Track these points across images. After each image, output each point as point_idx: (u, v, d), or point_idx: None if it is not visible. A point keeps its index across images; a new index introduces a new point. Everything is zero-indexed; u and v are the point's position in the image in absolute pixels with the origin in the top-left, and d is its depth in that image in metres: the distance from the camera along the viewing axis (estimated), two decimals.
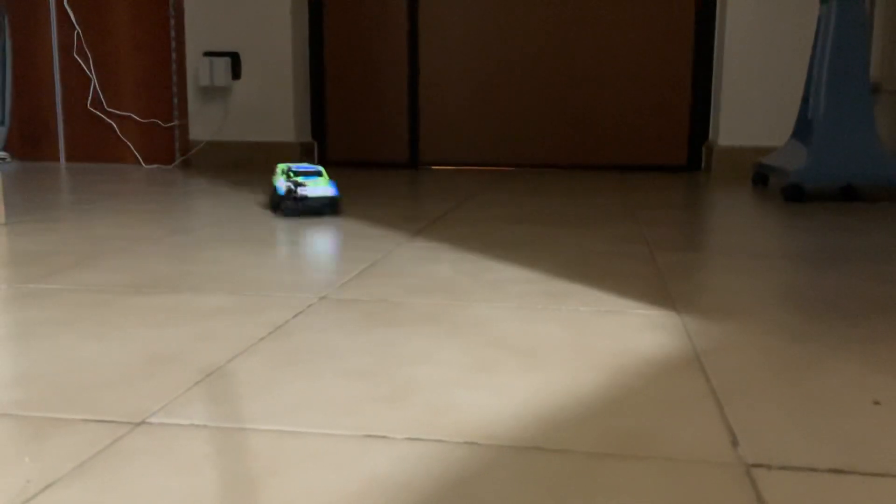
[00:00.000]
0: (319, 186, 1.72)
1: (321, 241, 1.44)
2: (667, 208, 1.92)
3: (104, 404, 0.66)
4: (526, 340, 0.84)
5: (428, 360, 0.77)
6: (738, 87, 2.73)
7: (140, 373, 0.74)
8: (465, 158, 3.10)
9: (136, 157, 3.14)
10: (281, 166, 1.83)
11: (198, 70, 2.96)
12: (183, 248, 1.37)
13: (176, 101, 3.08)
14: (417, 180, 2.61)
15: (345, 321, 0.91)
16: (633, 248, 1.38)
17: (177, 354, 0.79)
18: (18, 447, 0.58)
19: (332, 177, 2.65)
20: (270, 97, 2.98)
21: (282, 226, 1.61)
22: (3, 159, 3.10)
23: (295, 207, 1.71)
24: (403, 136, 3.13)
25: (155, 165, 3.09)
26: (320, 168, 1.79)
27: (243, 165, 3.01)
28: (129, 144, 3.14)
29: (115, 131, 3.14)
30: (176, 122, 3.09)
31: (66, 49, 3.13)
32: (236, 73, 2.97)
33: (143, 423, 0.62)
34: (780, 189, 2.16)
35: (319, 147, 3.17)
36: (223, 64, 2.92)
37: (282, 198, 1.74)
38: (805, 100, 2.22)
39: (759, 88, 2.72)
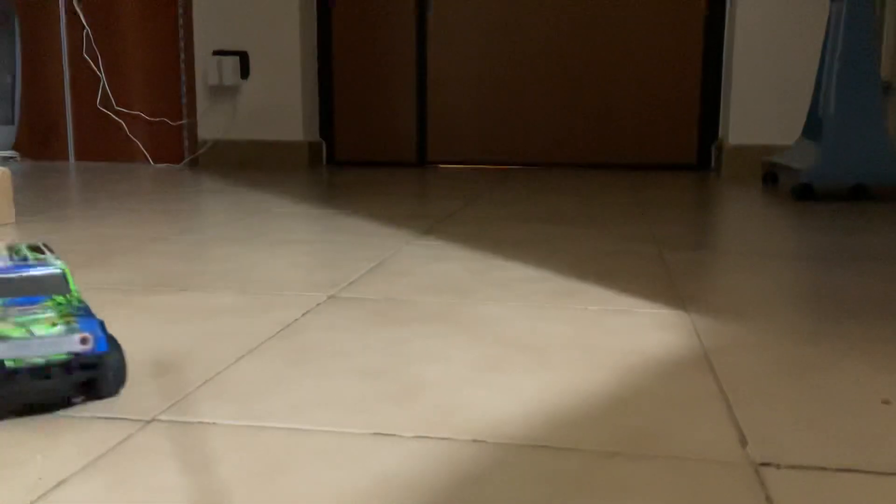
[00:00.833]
0: (44, 330, 0.64)
1: (330, 240, 1.44)
2: (676, 207, 1.91)
3: (114, 402, 0.66)
4: (534, 339, 0.84)
5: (436, 359, 0.77)
6: (747, 86, 2.72)
7: (150, 371, 0.74)
8: (473, 157, 3.10)
9: (145, 156, 3.15)
10: None
11: (206, 69, 2.97)
12: (192, 246, 1.37)
13: (185, 100, 3.08)
14: (425, 179, 2.61)
15: (353, 320, 0.91)
16: (642, 248, 1.38)
17: (186, 352, 0.79)
18: (30, 445, 0.58)
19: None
20: (279, 96, 2.98)
21: (287, 226, 1.61)
22: (13, 158, 3.11)
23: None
24: (411, 134, 3.13)
25: (164, 164, 3.10)
26: (56, 268, 0.71)
27: (252, 164, 3.02)
28: (138, 143, 3.15)
29: (124, 130, 3.15)
30: (185, 121, 3.10)
31: (75, 48, 3.14)
32: (245, 72, 2.97)
33: (153, 420, 0.62)
34: (790, 188, 2.15)
35: (327, 146, 3.18)
36: (232, 63, 2.92)
37: None
38: (815, 98, 2.21)
39: (768, 87, 2.71)
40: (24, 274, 0.69)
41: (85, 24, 3.11)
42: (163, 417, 0.63)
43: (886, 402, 0.66)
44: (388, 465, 0.55)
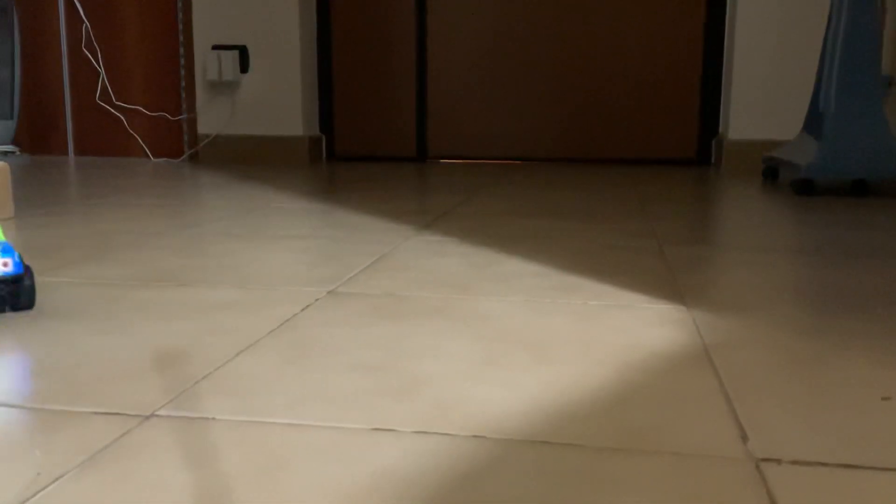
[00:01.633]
0: None
1: (327, 236, 1.44)
2: (676, 202, 1.91)
3: (113, 397, 0.66)
4: (534, 334, 0.84)
5: (436, 354, 0.77)
6: (748, 81, 2.72)
7: (149, 366, 0.74)
8: (473, 152, 3.10)
9: (145, 151, 3.15)
10: None
11: (206, 63, 2.96)
12: (191, 241, 1.37)
13: (184, 94, 3.08)
14: (425, 174, 2.61)
15: (353, 315, 0.91)
16: (642, 242, 1.38)
17: (185, 348, 0.79)
18: (28, 440, 0.58)
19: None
20: (278, 91, 2.98)
21: (287, 221, 1.61)
22: (12, 153, 3.11)
23: None
24: (411, 129, 3.12)
25: (163, 159, 3.10)
26: None
27: (251, 159, 3.02)
28: (138, 138, 3.15)
29: (124, 125, 3.15)
30: (184, 116, 3.09)
31: (74, 43, 3.13)
32: (244, 66, 2.97)
33: (152, 416, 0.62)
34: (791, 183, 2.15)
35: (327, 141, 3.17)
36: (231, 57, 2.92)
37: None
38: (816, 93, 2.20)
39: (769, 82, 2.71)
40: None
41: (84, 18, 3.10)
42: (162, 413, 0.63)
43: (887, 398, 0.66)
44: (388, 460, 0.55)
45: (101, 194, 2.00)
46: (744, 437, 0.58)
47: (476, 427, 0.60)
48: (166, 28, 3.06)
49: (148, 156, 3.14)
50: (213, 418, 0.62)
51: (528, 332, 0.85)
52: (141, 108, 3.12)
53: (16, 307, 0.91)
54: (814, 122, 2.18)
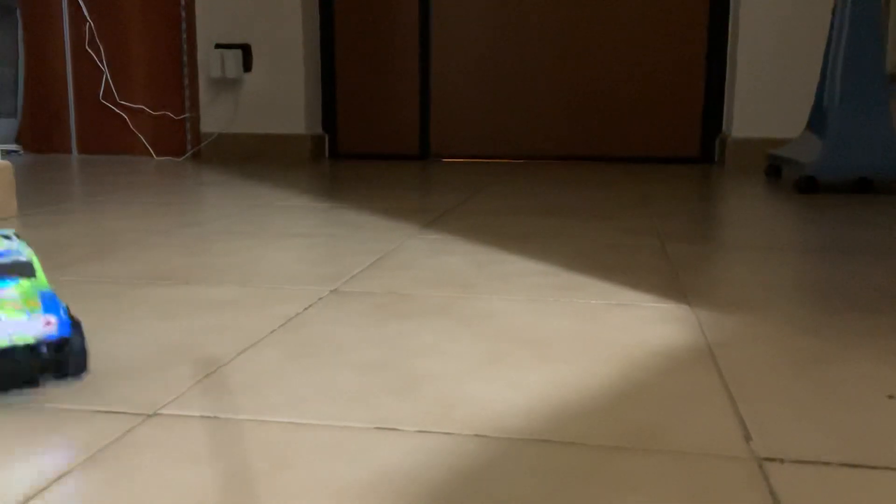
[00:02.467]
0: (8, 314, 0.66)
1: (333, 234, 1.44)
2: (679, 200, 1.91)
3: (115, 396, 0.66)
4: (537, 333, 0.84)
5: (439, 353, 0.77)
6: (751, 78, 2.71)
7: (151, 364, 0.74)
8: (476, 151, 3.10)
9: (148, 149, 3.15)
10: None
11: (209, 62, 2.97)
12: (195, 240, 1.37)
13: (187, 93, 3.08)
14: (428, 172, 2.61)
15: (356, 313, 0.91)
16: (645, 241, 1.38)
17: (188, 346, 0.79)
18: (31, 438, 0.58)
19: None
20: (281, 89, 2.98)
21: (290, 219, 1.61)
22: (16, 151, 3.11)
23: None
24: (414, 127, 3.12)
25: (166, 157, 3.10)
26: (20, 256, 0.70)
27: (254, 157, 3.02)
28: (141, 136, 3.15)
29: (127, 123, 3.15)
30: (187, 115, 3.09)
31: (77, 42, 3.13)
32: (247, 65, 2.97)
33: (154, 414, 0.62)
34: (794, 181, 2.14)
35: (330, 139, 3.17)
36: (234, 56, 2.92)
37: None
38: (820, 91, 2.20)
39: (772, 79, 2.70)
40: None
41: (88, 17, 3.11)
42: (164, 411, 0.63)
43: (892, 396, 0.66)
44: (390, 459, 0.55)
45: (105, 193, 2.00)
46: (747, 437, 0.58)
47: (478, 426, 0.60)
48: (169, 26, 3.07)
49: (151, 154, 3.15)
50: (216, 417, 0.62)
51: (530, 331, 0.85)
52: (144, 107, 3.13)
53: (62, 375, 0.68)
54: (817, 120, 2.18)
